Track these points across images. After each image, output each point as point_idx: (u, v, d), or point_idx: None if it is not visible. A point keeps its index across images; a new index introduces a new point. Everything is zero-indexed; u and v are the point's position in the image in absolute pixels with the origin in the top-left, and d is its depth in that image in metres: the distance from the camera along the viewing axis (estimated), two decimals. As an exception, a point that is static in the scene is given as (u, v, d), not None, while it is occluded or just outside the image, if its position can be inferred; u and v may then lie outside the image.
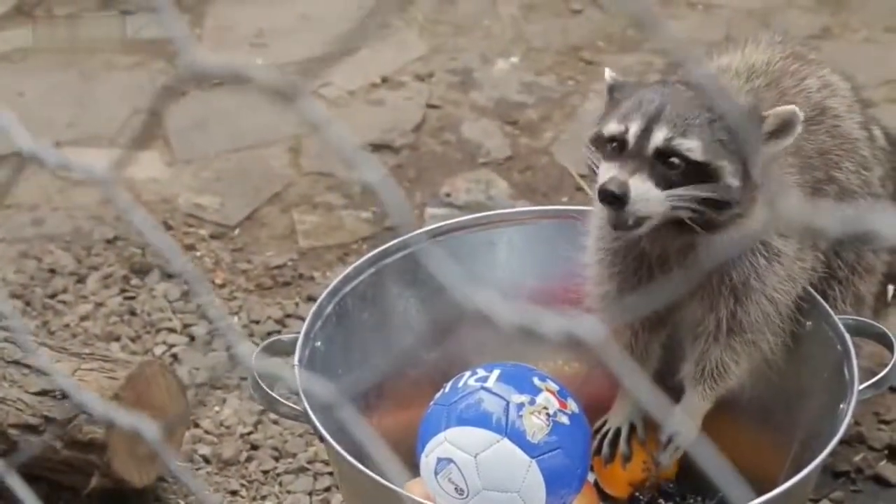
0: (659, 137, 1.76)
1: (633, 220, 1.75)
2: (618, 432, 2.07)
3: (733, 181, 1.74)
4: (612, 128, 1.81)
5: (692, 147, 1.75)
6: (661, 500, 2.13)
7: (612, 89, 1.90)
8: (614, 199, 1.73)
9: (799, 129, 1.76)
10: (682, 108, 1.77)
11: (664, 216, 1.75)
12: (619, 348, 1.97)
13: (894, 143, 2.18)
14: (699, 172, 1.74)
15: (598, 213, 1.93)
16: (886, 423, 2.37)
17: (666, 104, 1.78)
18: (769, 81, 1.97)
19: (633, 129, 1.78)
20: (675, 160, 1.75)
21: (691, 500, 2.14)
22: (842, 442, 2.21)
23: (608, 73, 1.93)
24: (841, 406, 1.86)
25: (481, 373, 1.98)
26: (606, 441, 2.07)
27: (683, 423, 1.98)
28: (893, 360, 1.90)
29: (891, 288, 2.22)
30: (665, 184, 1.75)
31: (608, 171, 1.76)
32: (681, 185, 1.74)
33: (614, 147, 1.79)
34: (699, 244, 1.82)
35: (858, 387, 1.86)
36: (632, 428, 2.08)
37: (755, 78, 1.97)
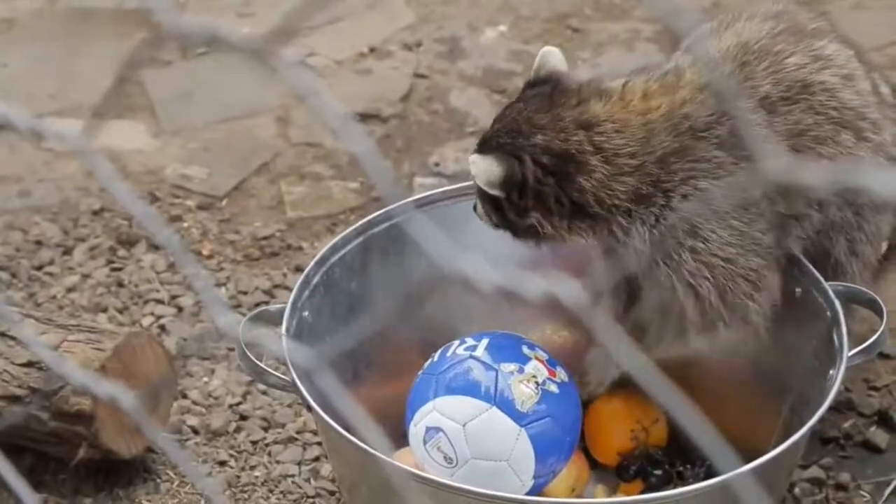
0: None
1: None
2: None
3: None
4: None
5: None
6: (649, 468, 2.13)
7: None
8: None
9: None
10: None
11: None
12: (603, 313, 1.98)
13: None
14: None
15: None
16: (876, 389, 2.37)
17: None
18: (742, 63, 1.93)
19: None
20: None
21: (680, 468, 2.14)
22: (831, 408, 2.21)
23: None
24: (830, 372, 1.85)
25: (470, 342, 1.98)
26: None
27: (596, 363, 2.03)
28: (882, 326, 1.90)
29: (884, 244, 2.21)
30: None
31: None
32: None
33: None
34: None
35: (848, 353, 1.85)
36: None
37: (726, 62, 1.92)
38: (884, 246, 2.22)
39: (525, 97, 1.92)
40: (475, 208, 1.97)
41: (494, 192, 1.84)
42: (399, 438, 2.00)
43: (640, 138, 1.83)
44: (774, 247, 1.92)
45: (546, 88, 1.90)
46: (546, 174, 1.83)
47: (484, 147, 1.90)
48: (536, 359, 1.95)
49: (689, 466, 2.14)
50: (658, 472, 2.12)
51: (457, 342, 1.99)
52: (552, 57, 1.94)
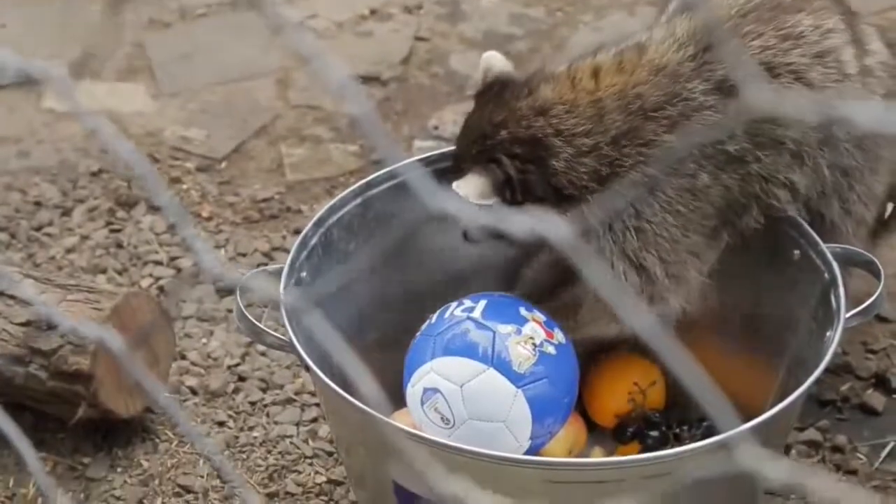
0: None
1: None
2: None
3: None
4: None
5: None
6: (646, 430, 2.13)
7: None
8: None
9: None
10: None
11: None
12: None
13: None
14: None
15: None
16: (874, 352, 2.38)
17: None
18: (705, 47, 1.89)
19: None
20: None
21: (677, 430, 2.15)
22: (829, 371, 2.22)
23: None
24: (828, 334, 1.85)
25: (468, 303, 1.98)
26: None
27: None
28: (880, 288, 1.90)
29: (889, 205, 2.21)
30: None
31: None
32: None
33: None
34: None
35: (845, 315, 1.86)
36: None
37: (689, 46, 1.89)
38: (889, 207, 2.21)
39: (479, 105, 1.96)
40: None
41: (490, 201, 1.86)
42: (398, 402, 2.01)
43: (591, 117, 1.86)
44: (722, 226, 1.93)
45: (496, 89, 1.94)
46: (524, 163, 1.86)
47: (459, 167, 1.92)
48: (534, 320, 1.95)
49: (685, 428, 2.15)
50: (655, 433, 2.12)
51: (454, 303, 1.99)
52: (495, 61, 1.99)
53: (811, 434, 2.22)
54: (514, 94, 1.91)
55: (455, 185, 1.85)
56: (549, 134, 1.86)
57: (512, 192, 1.86)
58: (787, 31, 1.93)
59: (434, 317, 1.99)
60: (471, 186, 1.85)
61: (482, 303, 1.97)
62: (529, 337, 1.92)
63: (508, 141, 1.87)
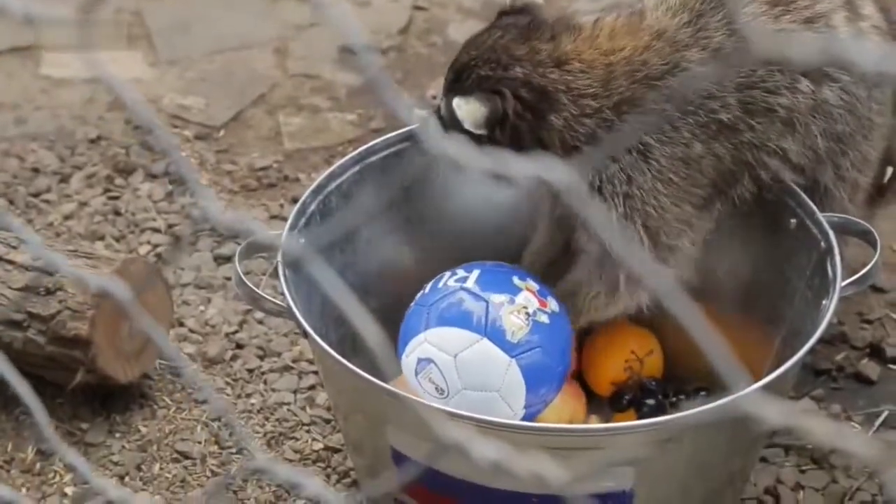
0: None
1: None
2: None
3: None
4: None
5: None
6: (642, 398, 2.14)
7: None
8: None
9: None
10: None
11: None
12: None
13: (889, 14, 2.12)
14: None
15: None
16: (869, 322, 2.39)
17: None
18: (698, 13, 1.89)
19: None
20: None
21: (673, 398, 2.16)
22: (824, 341, 2.23)
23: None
24: (823, 303, 1.86)
25: (461, 273, 1.98)
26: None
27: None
28: (875, 257, 1.90)
29: (889, 169, 2.21)
30: None
31: None
32: None
33: None
34: None
35: (841, 284, 1.86)
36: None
37: (684, 13, 1.90)
38: (889, 171, 2.22)
39: (500, 25, 1.90)
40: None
41: (480, 131, 1.83)
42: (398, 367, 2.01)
43: (601, 80, 1.84)
44: (715, 196, 1.93)
45: (522, 19, 1.89)
46: (525, 109, 1.83)
47: (463, 84, 1.87)
48: (527, 289, 1.96)
49: (682, 397, 2.16)
50: (651, 401, 2.13)
51: (448, 273, 1.99)
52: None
53: (806, 403, 2.23)
54: (539, 34, 1.86)
55: (456, 101, 1.83)
56: (560, 90, 1.83)
57: (501, 131, 1.84)
58: None
59: (427, 287, 1.99)
60: (469, 110, 1.82)
61: (475, 272, 1.97)
62: (523, 306, 1.93)
63: (521, 81, 1.83)
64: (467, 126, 1.83)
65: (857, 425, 2.22)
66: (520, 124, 1.83)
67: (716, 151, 1.88)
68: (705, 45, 1.87)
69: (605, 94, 1.84)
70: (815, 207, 1.97)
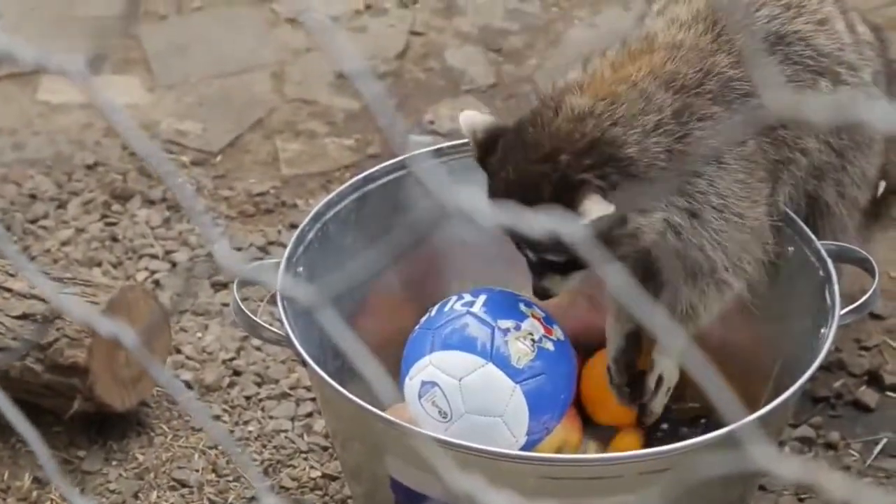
0: (530, 255, 1.87)
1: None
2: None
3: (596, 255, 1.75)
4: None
5: (555, 256, 1.84)
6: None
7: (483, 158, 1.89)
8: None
9: None
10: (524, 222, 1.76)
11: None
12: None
13: (880, 33, 2.16)
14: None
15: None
16: (867, 349, 2.39)
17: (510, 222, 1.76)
18: (709, 26, 1.92)
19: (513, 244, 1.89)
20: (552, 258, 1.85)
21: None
22: (822, 368, 2.22)
23: (472, 127, 1.89)
24: (822, 331, 1.86)
25: (468, 297, 1.98)
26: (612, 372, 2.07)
27: (665, 366, 1.99)
28: (874, 285, 1.91)
29: (882, 183, 2.22)
30: (560, 270, 1.87)
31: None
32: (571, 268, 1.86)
33: None
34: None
35: (839, 312, 1.86)
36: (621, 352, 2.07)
37: (698, 23, 1.92)
38: (881, 186, 2.22)
39: (502, 162, 1.83)
40: (536, 293, 1.91)
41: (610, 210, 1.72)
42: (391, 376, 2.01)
43: (638, 99, 1.81)
44: (769, 195, 1.94)
45: (507, 139, 1.84)
46: (601, 167, 1.75)
47: (569, 193, 1.74)
48: (533, 316, 1.96)
49: (684, 429, 2.15)
50: (664, 426, 2.12)
51: (454, 297, 2.00)
52: (477, 119, 1.89)
53: (804, 431, 2.23)
54: (540, 124, 1.81)
55: (587, 204, 1.71)
56: (606, 128, 1.77)
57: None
58: (787, 0, 1.99)
59: (433, 310, 2.00)
60: (599, 209, 1.71)
61: (482, 297, 1.98)
62: (528, 332, 1.93)
63: (573, 161, 1.75)
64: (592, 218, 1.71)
65: (855, 453, 2.21)
66: (610, 180, 1.76)
67: (762, 146, 1.90)
68: (730, 49, 1.89)
69: (653, 109, 1.80)
70: (812, 235, 1.98)
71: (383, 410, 1.77)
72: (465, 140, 2.01)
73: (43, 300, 2.13)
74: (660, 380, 1.99)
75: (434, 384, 1.90)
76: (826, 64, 1.98)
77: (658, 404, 2.02)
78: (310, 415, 2.31)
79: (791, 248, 1.99)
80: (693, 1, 1.96)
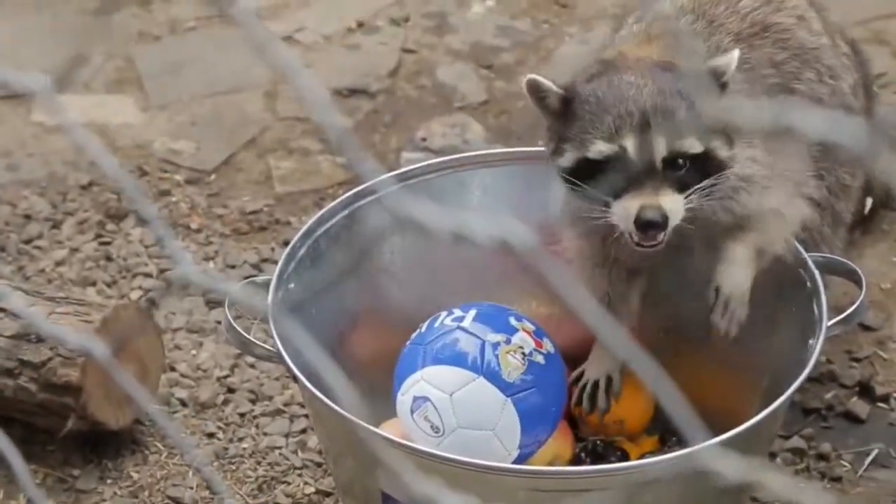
0: (661, 147, 1.75)
1: (664, 235, 1.75)
2: (596, 384, 2.06)
3: (725, 152, 1.76)
4: (603, 149, 1.77)
5: (692, 144, 1.76)
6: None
7: (566, 101, 1.82)
8: (656, 225, 1.73)
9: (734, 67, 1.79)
10: (663, 105, 1.75)
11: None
12: (595, 295, 1.98)
13: (859, 53, 2.18)
14: (700, 162, 1.75)
15: (570, 206, 1.93)
16: (858, 360, 2.39)
17: (645, 107, 1.75)
18: (700, 14, 1.98)
19: (631, 145, 1.75)
20: (679, 161, 1.75)
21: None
22: (813, 379, 2.24)
23: (545, 83, 1.83)
24: (810, 342, 1.87)
25: (458, 313, 2.00)
26: (585, 394, 2.06)
27: (729, 275, 1.91)
28: (861, 297, 1.92)
29: (868, 200, 2.23)
30: (678, 187, 1.75)
31: (634, 200, 1.74)
32: (689, 182, 1.75)
33: (610, 167, 1.76)
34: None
35: (827, 323, 1.87)
36: (609, 380, 2.06)
37: (689, 13, 1.98)
38: (868, 203, 2.24)
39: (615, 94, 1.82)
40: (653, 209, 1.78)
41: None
42: (383, 393, 2.01)
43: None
44: None
45: (603, 74, 1.84)
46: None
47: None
48: (523, 330, 1.97)
49: (675, 439, 2.15)
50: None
51: (444, 313, 2.01)
52: (541, 85, 1.85)
53: (796, 442, 2.23)
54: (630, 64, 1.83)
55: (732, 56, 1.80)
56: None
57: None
58: None
59: (424, 326, 2.01)
60: (729, 59, 1.80)
61: (472, 312, 1.99)
62: (519, 346, 1.95)
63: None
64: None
65: (847, 464, 2.22)
66: None
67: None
68: (727, 31, 1.96)
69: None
70: (800, 248, 1.99)
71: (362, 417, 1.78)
72: (453, 156, 2.03)
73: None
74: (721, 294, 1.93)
75: (426, 399, 1.91)
76: (809, 57, 2.02)
77: (723, 320, 1.94)
78: (304, 431, 2.32)
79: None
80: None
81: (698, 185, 1.75)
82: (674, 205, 1.74)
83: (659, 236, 1.75)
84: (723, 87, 1.77)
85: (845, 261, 2.00)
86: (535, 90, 1.84)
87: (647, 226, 1.73)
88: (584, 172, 1.79)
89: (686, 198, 1.75)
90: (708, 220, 1.85)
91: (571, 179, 1.79)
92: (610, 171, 1.76)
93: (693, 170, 1.75)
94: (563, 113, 1.82)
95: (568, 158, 1.81)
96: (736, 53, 1.79)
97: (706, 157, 1.76)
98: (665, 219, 1.73)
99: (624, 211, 1.74)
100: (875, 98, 2.30)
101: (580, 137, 1.79)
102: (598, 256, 2.00)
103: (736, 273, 1.91)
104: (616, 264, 2.01)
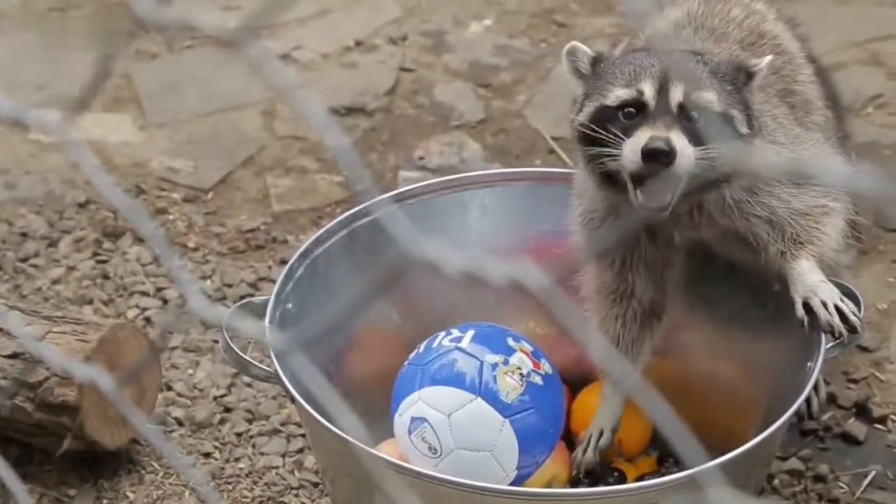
0: (678, 93, 1.76)
1: (671, 194, 1.72)
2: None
3: (743, 128, 1.77)
4: (621, 94, 1.79)
5: (711, 99, 1.78)
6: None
7: (596, 62, 1.87)
8: (663, 157, 1.70)
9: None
10: (685, 65, 1.78)
11: (688, 182, 1.74)
12: (603, 338, 1.98)
13: (822, 72, 2.20)
14: (716, 124, 1.74)
15: (593, 193, 1.93)
16: (855, 381, 2.39)
17: (667, 63, 1.78)
18: (698, 26, 2.03)
19: (648, 90, 1.78)
20: (695, 114, 1.75)
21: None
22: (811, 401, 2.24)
23: (582, 47, 1.90)
24: (808, 364, 1.87)
25: (456, 333, 1.99)
26: (580, 450, 2.07)
27: (812, 286, 1.86)
28: (860, 317, 1.91)
29: (852, 251, 2.23)
30: (691, 137, 1.73)
31: (643, 133, 1.73)
32: (702, 138, 1.73)
33: (629, 112, 1.78)
34: (707, 202, 1.83)
35: (825, 346, 1.87)
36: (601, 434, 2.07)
37: (686, 27, 2.02)
38: (852, 254, 2.24)
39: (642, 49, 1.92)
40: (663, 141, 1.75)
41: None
42: (381, 413, 2.01)
43: None
44: None
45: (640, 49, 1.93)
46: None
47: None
48: (521, 351, 1.97)
49: (672, 460, 2.16)
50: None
51: (442, 333, 2.00)
52: (577, 50, 1.91)
53: (794, 463, 2.23)
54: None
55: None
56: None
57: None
58: (749, 7, 2.10)
59: (422, 346, 2.01)
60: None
61: (470, 332, 1.98)
62: (517, 367, 1.94)
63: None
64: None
65: (844, 485, 2.22)
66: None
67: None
68: (732, 38, 2.01)
69: None
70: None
71: (373, 446, 1.78)
72: (453, 177, 2.03)
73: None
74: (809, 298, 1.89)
75: (423, 420, 1.91)
76: (800, 62, 2.06)
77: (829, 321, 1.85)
78: (301, 451, 2.32)
79: (778, 285, 1.99)
80: (667, 13, 2.07)
81: (711, 146, 1.72)
82: (683, 144, 1.72)
83: (667, 193, 1.72)
84: (749, 77, 1.82)
85: (843, 283, 2.00)
86: (572, 55, 1.90)
87: (654, 155, 1.70)
88: (602, 121, 1.80)
89: (697, 151, 1.73)
90: (727, 235, 1.87)
91: (589, 128, 1.79)
92: (626, 117, 1.78)
93: (708, 129, 1.72)
94: (592, 75, 1.87)
95: (587, 110, 1.84)
96: (769, 59, 1.85)
97: (723, 121, 1.77)
98: (672, 150, 1.70)
99: (633, 145, 1.73)
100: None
101: (601, 90, 1.83)
102: (615, 290, 1.99)
103: (812, 278, 1.86)
104: (631, 302, 2.00)
